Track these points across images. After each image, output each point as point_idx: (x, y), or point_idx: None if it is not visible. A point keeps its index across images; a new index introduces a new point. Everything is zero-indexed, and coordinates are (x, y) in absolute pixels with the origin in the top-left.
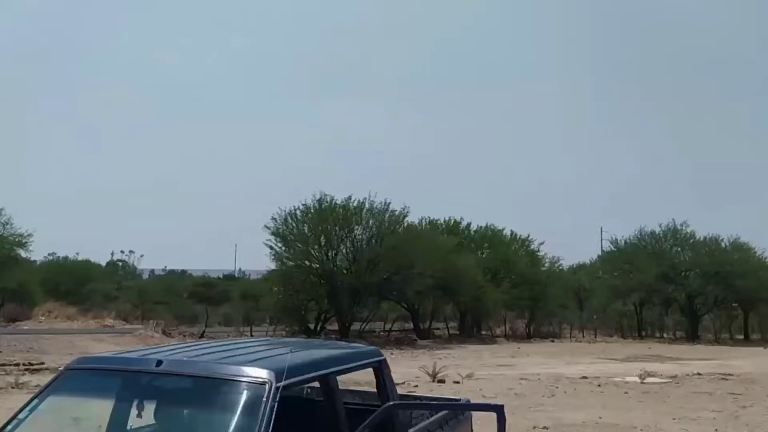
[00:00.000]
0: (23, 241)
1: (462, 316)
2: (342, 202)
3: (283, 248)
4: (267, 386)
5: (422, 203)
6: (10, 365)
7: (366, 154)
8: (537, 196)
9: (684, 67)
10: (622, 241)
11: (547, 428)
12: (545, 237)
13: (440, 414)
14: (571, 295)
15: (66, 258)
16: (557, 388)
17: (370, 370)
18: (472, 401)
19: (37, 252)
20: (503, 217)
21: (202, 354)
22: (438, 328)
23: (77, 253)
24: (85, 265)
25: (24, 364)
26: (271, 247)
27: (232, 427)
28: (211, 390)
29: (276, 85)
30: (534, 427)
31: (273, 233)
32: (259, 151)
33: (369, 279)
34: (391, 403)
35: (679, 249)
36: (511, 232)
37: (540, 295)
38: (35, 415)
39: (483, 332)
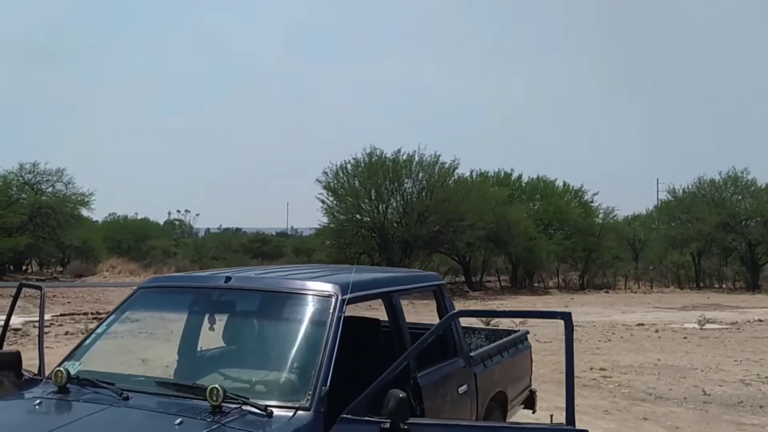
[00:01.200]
0: (85, 200)
1: (514, 267)
2: (392, 155)
3: (335, 202)
4: (333, 299)
5: (473, 157)
6: (80, 314)
7: (416, 109)
8: (591, 148)
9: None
10: (680, 190)
11: (604, 369)
12: (600, 188)
13: (500, 341)
14: (626, 246)
15: (126, 217)
16: (613, 334)
17: None
18: (539, 310)
19: (97, 212)
20: (556, 169)
21: (269, 273)
22: (489, 281)
23: (136, 213)
24: (144, 223)
25: (92, 313)
26: (323, 201)
27: (300, 338)
28: (279, 303)
29: (324, 45)
30: (591, 368)
31: (324, 187)
32: (308, 112)
33: (420, 232)
34: (456, 311)
35: (739, 197)
36: (564, 183)
37: (594, 246)
38: (111, 329)
39: (535, 284)
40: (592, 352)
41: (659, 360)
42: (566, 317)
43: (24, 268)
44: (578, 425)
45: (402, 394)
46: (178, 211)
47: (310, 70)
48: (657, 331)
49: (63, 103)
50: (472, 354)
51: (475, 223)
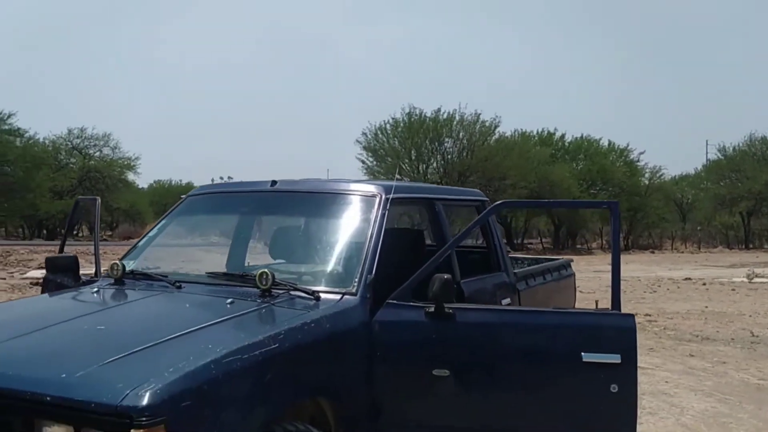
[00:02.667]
0: (131, 164)
1: (556, 228)
2: (431, 114)
3: (375, 162)
4: (377, 198)
5: (515, 116)
6: None
7: (458, 69)
8: (639, 107)
9: None
10: (730, 148)
11: (649, 315)
12: (647, 147)
13: (543, 264)
14: (673, 206)
15: (170, 182)
16: (659, 287)
17: None
18: (586, 200)
19: (142, 179)
20: (601, 128)
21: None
22: (531, 243)
23: (180, 180)
24: (189, 188)
25: None
26: (363, 162)
27: (346, 234)
28: (325, 203)
29: (360, 7)
30: (636, 314)
31: (364, 148)
32: (347, 75)
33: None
34: (500, 201)
35: None
36: (609, 141)
37: (639, 206)
38: (163, 233)
39: (578, 245)
40: (637, 301)
41: (706, 307)
42: (613, 205)
43: (74, 232)
44: None
45: (447, 276)
46: (221, 177)
47: (346, 36)
48: (704, 284)
49: (108, 67)
50: (516, 271)
51: (517, 182)
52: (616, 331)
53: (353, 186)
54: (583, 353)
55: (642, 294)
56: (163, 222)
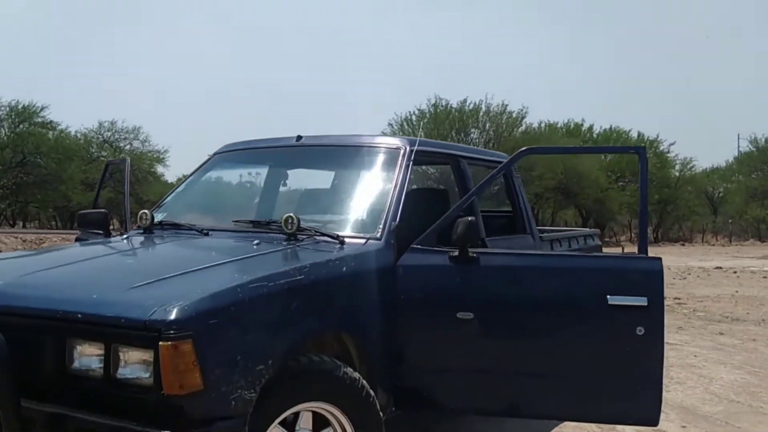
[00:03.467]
0: (161, 157)
1: (584, 220)
2: (457, 105)
3: None
4: (401, 150)
5: (542, 108)
6: None
7: (484, 60)
8: (669, 98)
9: None
10: (762, 140)
11: (679, 299)
12: (677, 138)
13: (570, 232)
14: (704, 198)
15: None
16: (689, 274)
17: None
18: (613, 146)
19: (170, 172)
20: (630, 119)
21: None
22: None
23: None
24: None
25: None
26: None
27: (370, 183)
28: (349, 156)
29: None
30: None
31: None
32: (371, 66)
33: (490, 199)
34: (524, 148)
35: None
36: (638, 133)
37: (669, 198)
38: (190, 189)
39: (606, 238)
40: (666, 286)
41: (736, 292)
42: (640, 150)
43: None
44: None
45: (471, 218)
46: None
47: (372, 27)
48: (735, 272)
49: (136, 58)
50: (541, 235)
51: (543, 173)
52: (643, 274)
53: (378, 139)
54: (608, 296)
55: (671, 280)
56: (190, 178)
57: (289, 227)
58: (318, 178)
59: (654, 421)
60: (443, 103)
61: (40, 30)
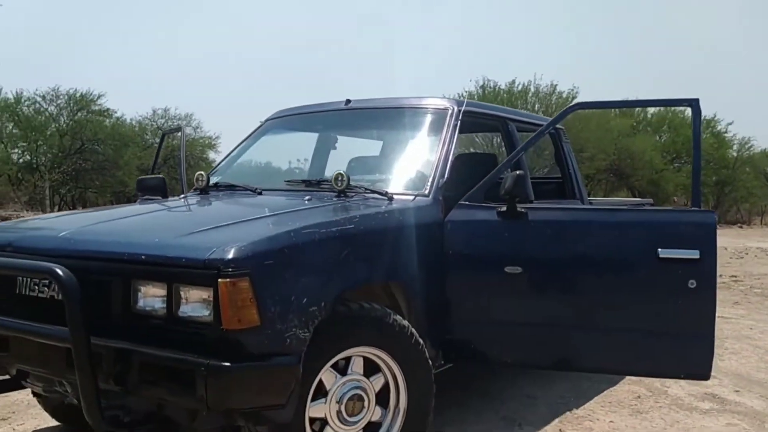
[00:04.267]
0: (212, 143)
1: None
2: (505, 86)
3: None
4: (449, 110)
5: (594, 90)
6: None
7: (533, 39)
8: (727, 75)
9: None
10: None
11: (735, 276)
12: (735, 118)
13: (622, 200)
14: (762, 180)
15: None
16: (746, 254)
17: None
18: (665, 98)
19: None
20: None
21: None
22: None
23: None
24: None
25: None
26: None
27: (418, 143)
28: (398, 117)
29: None
30: (720, 276)
31: None
32: (418, 47)
33: (535, 164)
34: (574, 103)
35: None
36: None
37: (727, 179)
38: (244, 153)
39: None
40: (722, 265)
41: None
42: (693, 102)
43: None
44: None
45: (519, 172)
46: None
47: (416, 8)
48: None
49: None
50: (591, 199)
51: (595, 155)
52: (696, 226)
53: (425, 101)
54: (659, 249)
55: (728, 260)
56: (244, 143)
57: (339, 184)
58: (367, 148)
59: (705, 376)
60: (491, 85)
61: (94, 19)
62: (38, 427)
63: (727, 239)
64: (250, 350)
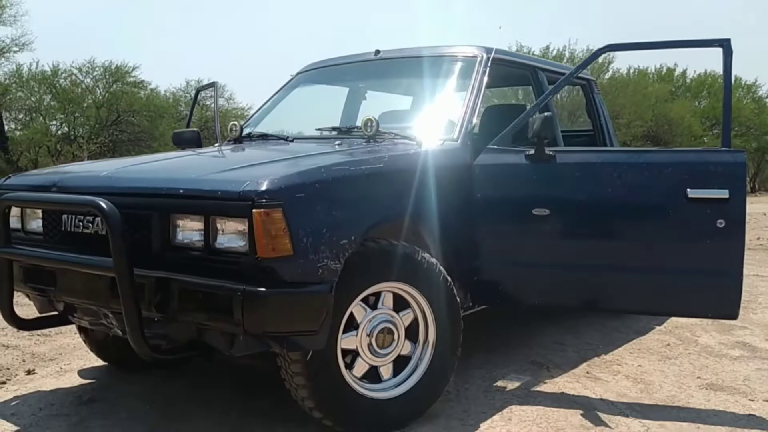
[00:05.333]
0: (244, 114)
1: None
2: (540, 52)
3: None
4: (478, 57)
5: (631, 55)
6: None
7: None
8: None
9: None
10: None
11: None
12: None
13: None
14: None
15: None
16: None
17: None
18: (694, 39)
19: None
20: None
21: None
22: None
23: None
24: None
25: None
26: None
27: (447, 90)
28: (427, 65)
29: None
30: (758, 238)
31: None
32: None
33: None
34: (605, 45)
35: None
36: (735, 77)
37: None
38: (276, 105)
39: None
40: (760, 229)
41: None
42: (725, 42)
43: None
44: None
45: (547, 113)
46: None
47: None
48: None
49: (219, 18)
50: None
51: (632, 121)
52: (725, 166)
53: (454, 48)
54: (688, 189)
55: (763, 227)
56: (275, 96)
57: (369, 130)
58: (399, 104)
59: (733, 315)
60: (525, 51)
61: None
62: (83, 367)
63: (767, 206)
64: (284, 278)
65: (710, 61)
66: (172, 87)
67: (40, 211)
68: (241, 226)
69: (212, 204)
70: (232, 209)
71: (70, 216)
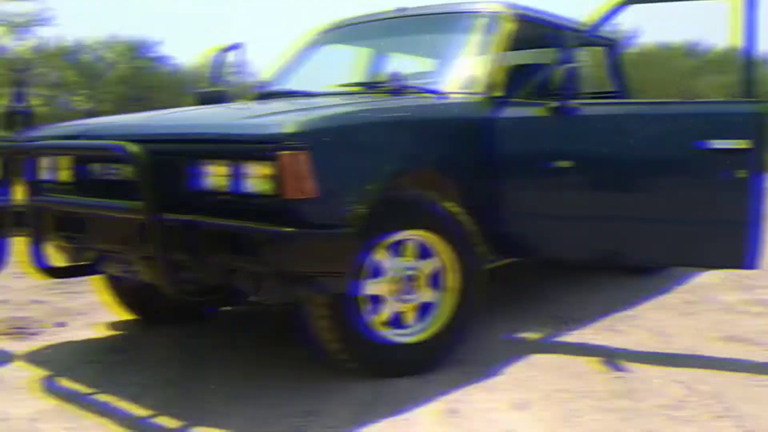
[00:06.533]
0: None
1: None
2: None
3: None
4: (502, 13)
5: (658, 30)
6: None
7: None
8: None
9: None
10: None
11: None
12: None
13: None
14: None
15: None
16: None
17: None
18: None
19: None
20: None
21: None
22: None
23: None
24: None
25: None
26: None
27: (469, 44)
28: (451, 20)
29: None
30: None
31: None
32: None
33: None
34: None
35: None
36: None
37: None
38: (296, 64)
39: None
40: None
41: None
42: None
43: None
44: None
45: (572, 65)
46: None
47: None
48: None
49: None
50: None
51: (658, 96)
52: (745, 117)
53: (478, 5)
54: (709, 140)
55: None
56: (297, 55)
57: (394, 83)
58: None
59: (753, 265)
60: None
61: None
62: (113, 321)
63: None
64: (310, 220)
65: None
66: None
67: (68, 161)
68: (268, 169)
69: (239, 148)
70: (259, 152)
71: (98, 164)
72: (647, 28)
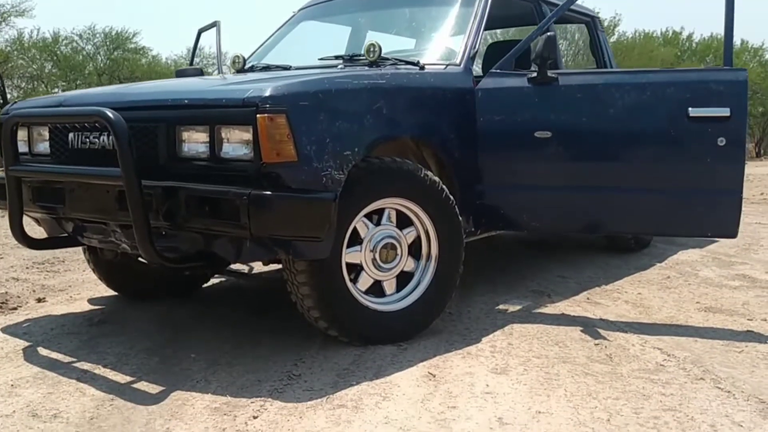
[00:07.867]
0: None
1: None
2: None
3: None
4: None
5: (637, 17)
6: None
7: None
8: None
9: None
10: None
11: None
12: None
13: None
14: None
15: None
16: None
17: None
18: None
19: None
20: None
21: None
22: None
23: None
24: None
25: None
26: None
27: (450, 16)
28: None
29: None
30: (761, 194)
31: None
32: None
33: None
34: None
35: None
36: (741, 41)
37: None
38: (278, 42)
39: None
40: (765, 186)
41: None
42: None
43: None
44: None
45: (550, 33)
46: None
47: None
48: None
49: None
50: None
51: None
52: (726, 84)
53: None
54: (690, 108)
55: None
56: (277, 33)
57: (372, 55)
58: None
59: (732, 233)
60: None
61: None
62: (93, 296)
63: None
64: (288, 184)
65: (717, 24)
66: (174, 54)
67: (47, 132)
68: (246, 133)
69: (217, 112)
70: (237, 116)
71: (76, 133)
72: (627, 17)
